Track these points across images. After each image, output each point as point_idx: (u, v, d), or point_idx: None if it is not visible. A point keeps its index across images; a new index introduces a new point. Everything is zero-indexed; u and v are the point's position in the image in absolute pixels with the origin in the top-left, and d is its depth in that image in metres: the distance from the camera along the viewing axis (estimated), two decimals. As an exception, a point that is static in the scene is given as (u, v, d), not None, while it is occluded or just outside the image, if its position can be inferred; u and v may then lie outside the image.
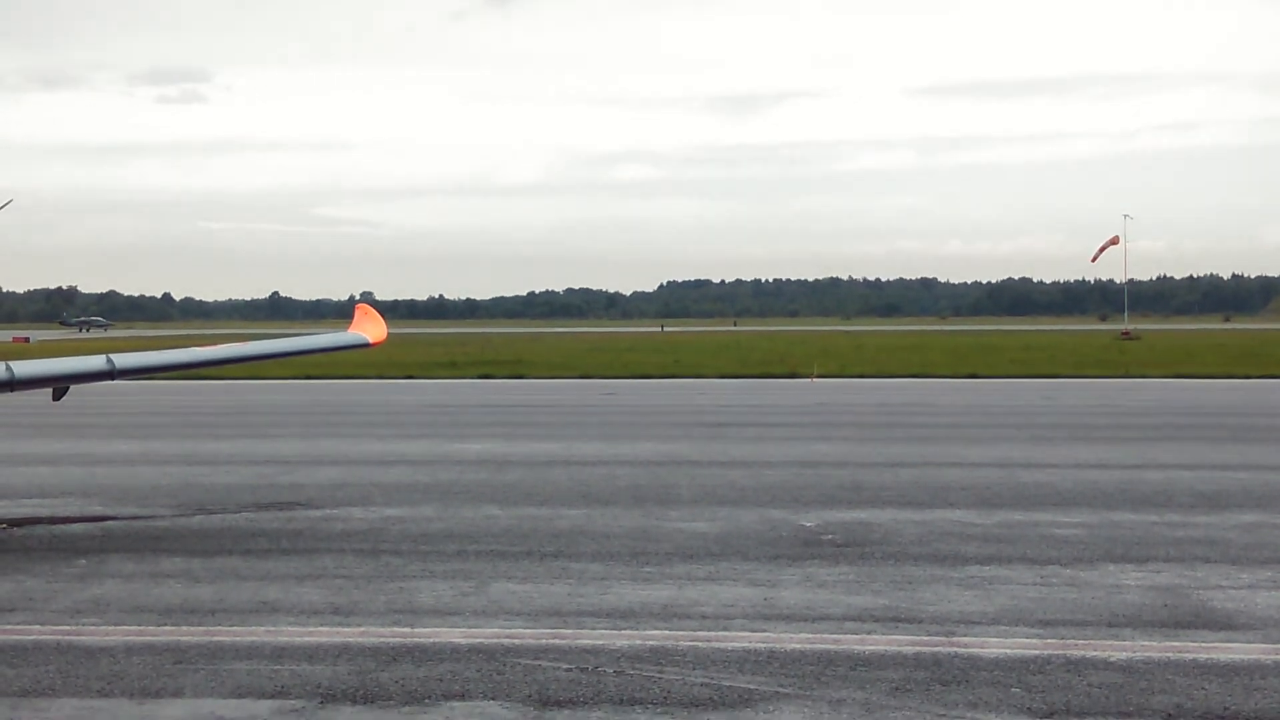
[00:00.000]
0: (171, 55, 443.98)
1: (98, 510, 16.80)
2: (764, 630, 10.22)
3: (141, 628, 10.45)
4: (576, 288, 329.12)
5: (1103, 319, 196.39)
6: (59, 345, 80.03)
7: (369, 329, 17.73)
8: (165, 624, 10.57)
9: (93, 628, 10.46)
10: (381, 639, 10.01)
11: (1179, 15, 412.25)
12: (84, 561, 13.25)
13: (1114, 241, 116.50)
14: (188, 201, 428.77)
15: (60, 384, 15.91)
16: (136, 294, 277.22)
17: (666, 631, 10.19)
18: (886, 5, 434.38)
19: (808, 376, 48.79)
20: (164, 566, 12.94)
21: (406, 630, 10.27)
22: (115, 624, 10.58)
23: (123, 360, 15.38)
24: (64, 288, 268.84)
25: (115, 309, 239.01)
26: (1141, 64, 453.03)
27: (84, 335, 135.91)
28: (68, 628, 10.47)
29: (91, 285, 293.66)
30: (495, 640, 9.95)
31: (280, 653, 9.65)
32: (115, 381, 16.34)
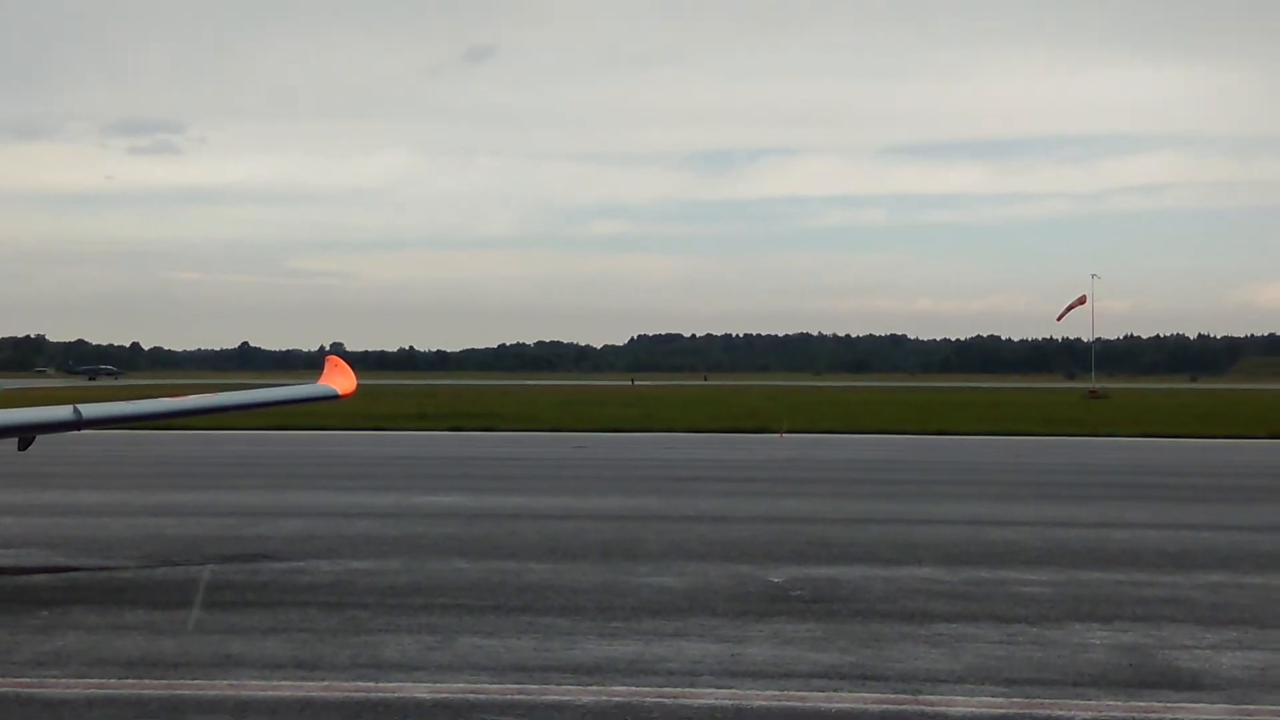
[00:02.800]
0: (145, 106, 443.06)
1: (61, 561, 16.66)
2: (731, 687, 10.19)
3: (103, 680, 10.34)
4: (547, 340, 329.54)
5: (1070, 377, 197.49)
6: (28, 394, 79.49)
7: (338, 381, 17.67)
8: (127, 677, 10.46)
9: (54, 680, 10.35)
10: (346, 694, 9.94)
11: (1148, 79, 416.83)
12: (46, 613, 13.13)
13: (1081, 301, 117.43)
14: (158, 252, 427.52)
15: (26, 434, 15.81)
16: (105, 343, 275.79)
17: (633, 688, 10.14)
18: (859, 68, 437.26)
19: (777, 432, 48.85)
20: (127, 619, 12.83)
21: (371, 685, 10.20)
22: (77, 676, 10.47)
23: (90, 410, 15.28)
24: (31, 336, 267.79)
25: (83, 358, 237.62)
26: (1110, 126, 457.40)
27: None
28: (29, 680, 10.35)
29: (60, 334, 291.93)
30: (460, 695, 9.89)
31: (243, 707, 9.57)
32: (82, 431, 16.25)
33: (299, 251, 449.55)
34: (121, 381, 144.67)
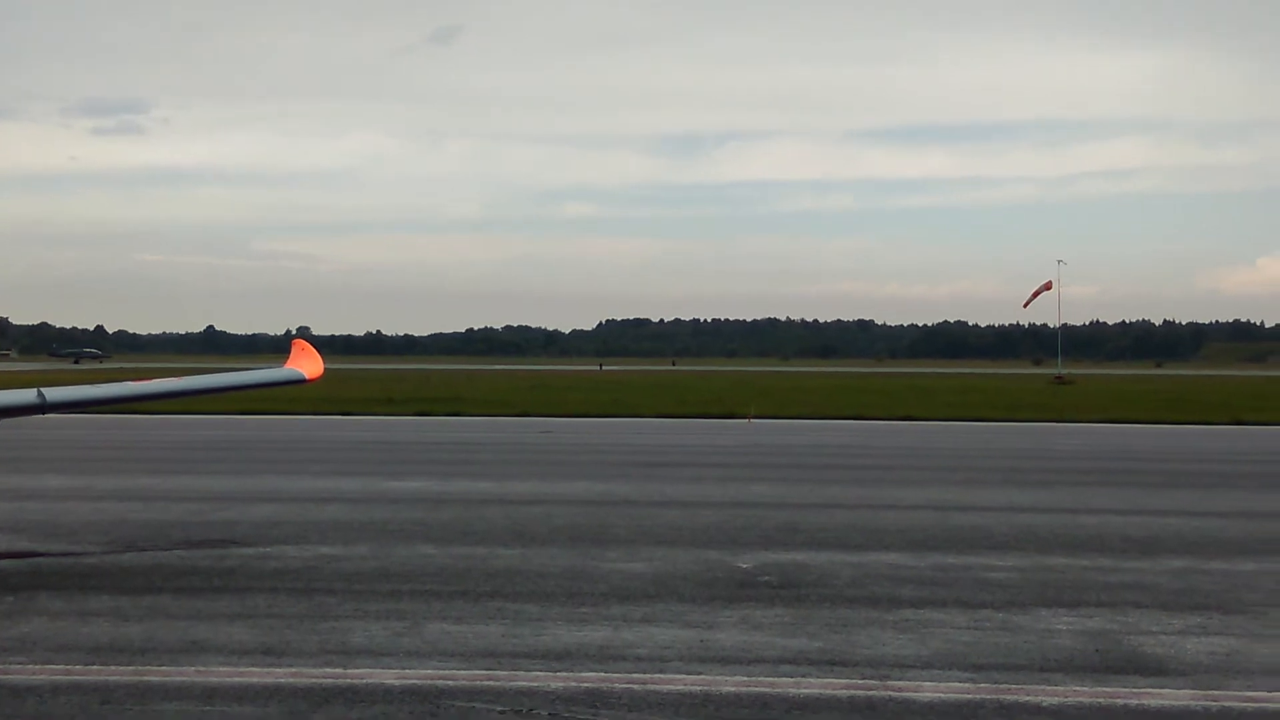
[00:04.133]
0: (108, 87, 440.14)
1: (25, 546, 16.55)
2: (699, 673, 10.20)
3: (69, 667, 10.28)
4: (515, 325, 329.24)
5: (1036, 363, 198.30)
6: (-11, 377, 78.96)
7: (305, 365, 17.60)
8: (93, 663, 10.40)
9: (19, 666, 10.28)
10: (313, 680, 9.91)
11: (1115, 63, 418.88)
12: (11, 599, 13.04)
13: (1047, 287, 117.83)
14: (122, 234, 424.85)
15: (-10, 417, 15.69)
16: (69, 326, 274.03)
17: (602, 673, 10.14)
18: (828, 52, 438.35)
19: (745, 417, 48.92)
20: (93, 605, 12.75)
21: (339, 671, 10.17)
22: (42, 663, 10.40)
23: (54, 394, 15.18)
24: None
25: (46, 341, 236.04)
26: (1077, 111, 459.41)
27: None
28: (-7, 666, 10.28)
29: (23, 317, 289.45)
30: (429, 681, 9.87)
31: (210, 693, 9.53)
32: (46, 415, 16.13)
33: (264, 234, 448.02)
34: (92, 365, 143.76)
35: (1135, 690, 9.85)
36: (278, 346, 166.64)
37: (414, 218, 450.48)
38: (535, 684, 9.82)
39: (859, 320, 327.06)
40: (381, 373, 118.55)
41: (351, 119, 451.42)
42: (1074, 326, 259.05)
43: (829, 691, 9.70)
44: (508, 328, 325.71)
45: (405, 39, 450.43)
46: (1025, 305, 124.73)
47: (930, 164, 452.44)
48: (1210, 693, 9.79)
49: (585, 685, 9.79)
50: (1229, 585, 14.35)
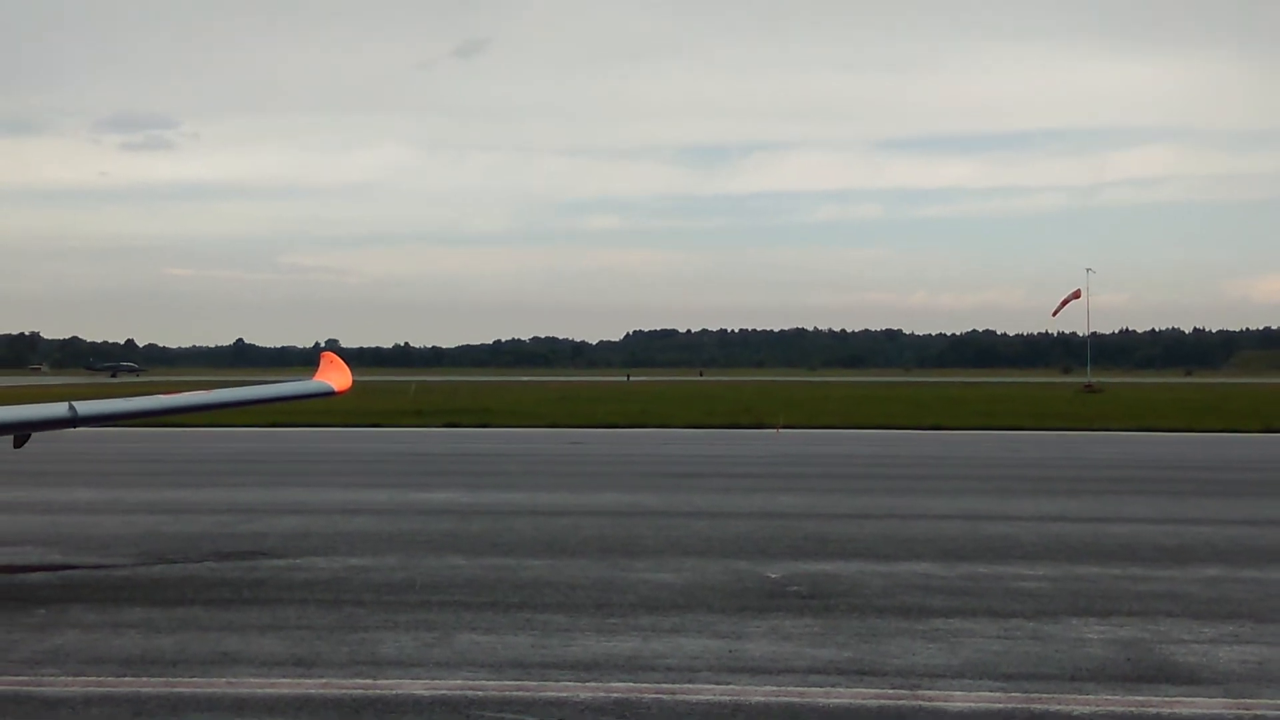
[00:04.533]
0: (137, 102, 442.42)
1: (58, 559, 16.65)
2: (729, 683, 10.20)
3: (101, 678, 10.34)
4: (543, 336, 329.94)
5: (1065, 372, 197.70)
6: (20, 392, 79.40)
7: (334, 377, 17.67)
8: (125, 675, 10.46)
9: (51, 679, 10.35)
10: (344, 690, 9.94)
11: (1143, 72, 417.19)
12: (43, 611, 13.12)
13: (1076, 295, 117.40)
14: (152, 248, 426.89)
15: (22, 431, 15.78)
16: (99, 340, 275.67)
17: (631, 684, 10.15)
18: (855, 62, 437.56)
19: (773, 427, 48.87)
20: (125, 616, 12.82)
21: (369, 682, 10.20)
22: (75, 675, 10.47)
23: (85, 408, 15.26)
24: (25, 334, 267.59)
25: (78, 355, 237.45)
26: (1106, 120, 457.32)
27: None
28: (26, 678, 10.35)
29: (54, 331, 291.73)
30: (458, 692, 9.89)
31: (241, 704, 9.57)
32: (78, 429, 16.23)
33: (293, 247, 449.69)
34: (121, 380, 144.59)
35: (1167, 699, 9.80)
36: (307, 359, 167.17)
37: (440, 230, 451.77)
38: (564, 694, 9.82)
39: (887, 330, 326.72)
40: (409, 385, 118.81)
41: (378, 132, 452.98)
42: (1103, 335, 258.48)
43: (859, 701, 9.68)
44: (535, 339, 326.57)
45: (431, 52, 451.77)
46: (1054, 314, 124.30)
47: (957, 173, 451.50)
48: (1242, 701, 9.75)
49: (614, 695, 9.79)
50: (1261, 594, 14.27)
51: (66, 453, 34.06)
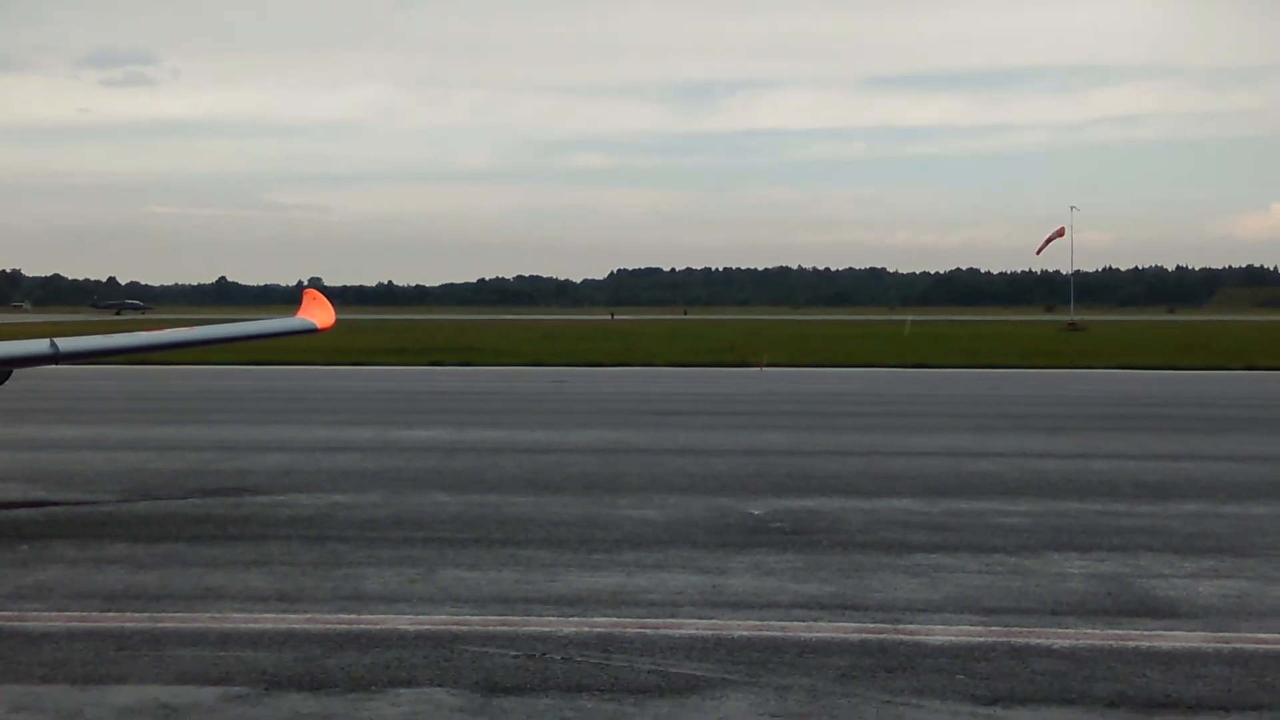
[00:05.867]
0: (117, 38, 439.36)
1: (41, 495, 16.63)
2: (711, 618, 10.25)
3: (85, 614, 10.36)
4: (527, 275, 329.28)
5: (1049, 310, 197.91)
6: (1, 329, 79.13)
7: (317, 314, 17.61)
8: (109, 610, 10.48)
9: (35, 613, 10.36)
10: (328, 626, 9.97)
11: (1127, 10, 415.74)
12: (26, 547, 13.12)
13: (1059, 233, 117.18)
14: (133, 185, 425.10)
15: (2, 368, 15.72)
16: (81, 278, 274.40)
17: (614, 619, 10.19)
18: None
19: (757, 365, 48.91)
20: (108, 552, 12.83)
21: (353, 617, 10.23)
22: (58, 610, 10.48)
23: (67, 344, 15.19)
24: (7, 271, 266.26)
25: (59, 293, 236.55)
26: (1089, 57, 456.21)
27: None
28: (10, 614, 10.36)
29: (35, 269, 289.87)
30: (442, 627, 9.92)
31: (225, 639, 9.59)
32: (60, 366, 16.18)
33: (276, 185, 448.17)
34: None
35: (1147, 632, 9.88)
36: (289, 297, 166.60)
37: (424, 168, 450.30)
38: (548, 629, 9.86)
39: (871, 268, 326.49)
40: (393, 323, 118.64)
41: (360, 70, 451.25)
42: (1087, 273, 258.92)
43: (841, 635, 9.74)
44: (519, 278, 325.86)
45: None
46: (1038, 252, 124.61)
47: (942, 111, 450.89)
48: (1221, 634, 9.82)
49: (598, 630, 9.83)
50: (1241, 529, 14.36)
51: (49, 390, 33.97)
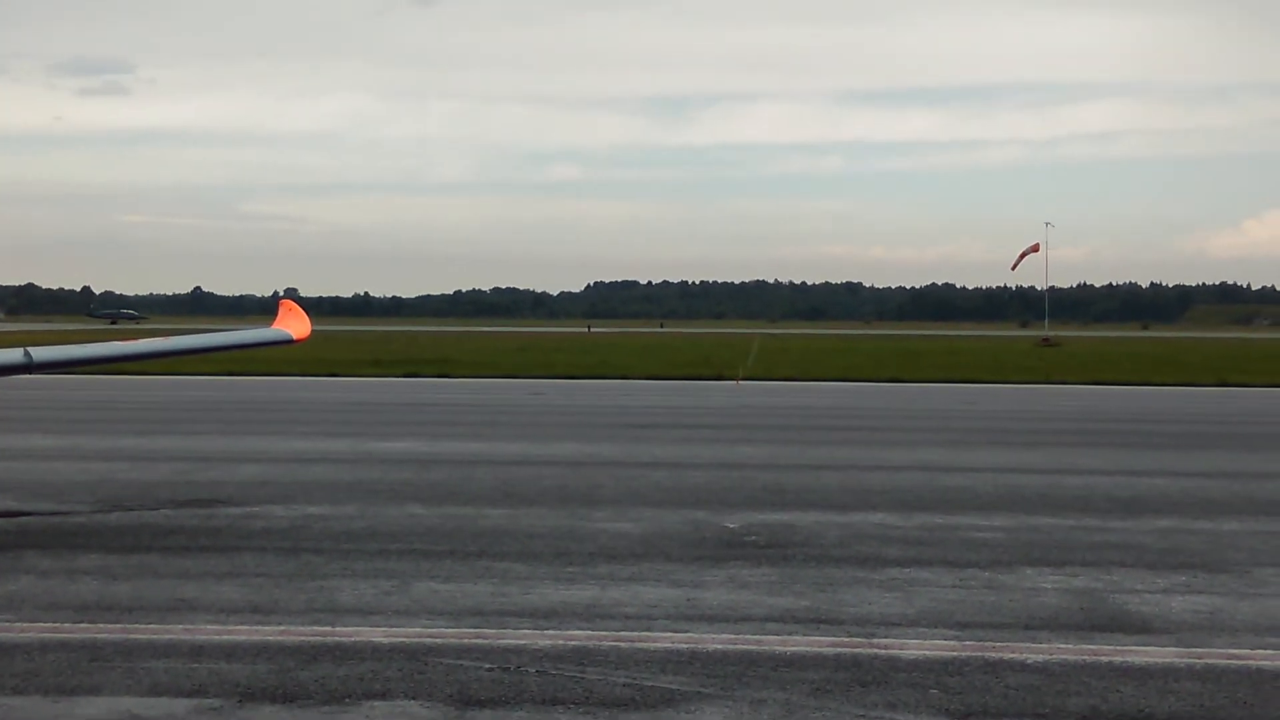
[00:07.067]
0: (94, 46, 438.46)
1: (12, 505, 16.53)
2: (686, 631, 10.25)
3: (57, 625, 10.30)
4: (503, 287, 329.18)
5: (1023, 325, 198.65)
6: (-25, 338, 78.68)
7: (293, 325, 17.57)
8: (81, 621, 10.42)
9: (6, 624, 10.29)
10: (301, 638, 9.93)
11: (1102, 27, 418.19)
12: (-2, 558, 13.03)
13: (1034, 249, 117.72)
14: (109, 195, 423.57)
15: (-25, 377, 15.64)
16: (55, 287, 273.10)
17: (589, 632, 10.18)
18: (817, 13, 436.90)
19: (733, 379, 48.94)
20: (80, 563, 12.76)
21: (327, 629, 10.20)
22: (30, 621, 10.42)
23: (40, 353, 15.12)
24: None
25: (34, 302, 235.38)
26: (1064, 74, 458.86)
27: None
28: (-19, 625, 10.29)
29: (8, 278, 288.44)
30: (417, 640, 9.90)
31: (198, 651, 9.55)
32: (33, 375, 16.09)
33: (251, 195, 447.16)
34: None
35: (1120, 647, 9.91)
36: (265, 308, 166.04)
37: (401, 180, 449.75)
38: (523, 642, 9.85)
39: (847, 283, 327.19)
40: (369, 334, 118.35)
41: (336, 80, 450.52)
42: (1061, 289, 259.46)
43: (815, 649, 9.75)
44: (495, 289, 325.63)
45: (382, 1, 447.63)
46: (1013, 268, 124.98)
47: (917, 127, 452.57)
48: (1194, 650, 9.86)
49: (573, 643, 9.82)
50: (1213, 544, 14.43)
51: (21, 399, 33.78)
